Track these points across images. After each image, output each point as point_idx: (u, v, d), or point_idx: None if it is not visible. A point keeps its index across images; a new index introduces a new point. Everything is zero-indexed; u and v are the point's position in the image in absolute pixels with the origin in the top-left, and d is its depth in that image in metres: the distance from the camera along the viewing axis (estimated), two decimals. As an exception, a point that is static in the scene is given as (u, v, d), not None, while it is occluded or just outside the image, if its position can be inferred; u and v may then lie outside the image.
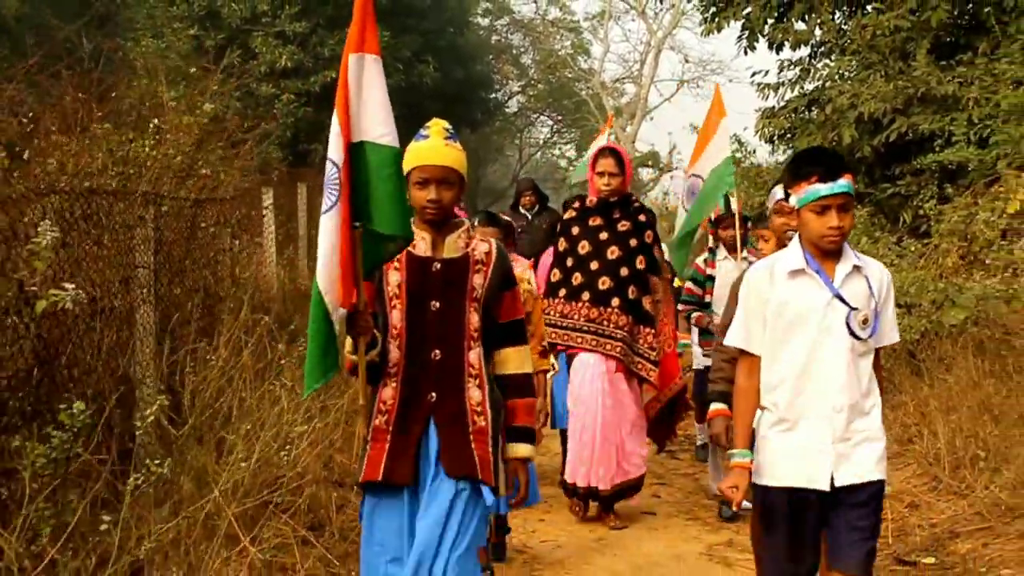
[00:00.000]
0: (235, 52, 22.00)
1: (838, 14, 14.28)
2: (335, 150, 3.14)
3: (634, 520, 6.47)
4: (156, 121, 6.93)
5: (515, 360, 3.50)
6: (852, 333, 3.49)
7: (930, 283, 8.93)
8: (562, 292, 6.23)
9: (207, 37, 21.35)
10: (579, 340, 6.12)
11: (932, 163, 11.55)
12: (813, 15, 13.99)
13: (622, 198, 6.27)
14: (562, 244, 6.34)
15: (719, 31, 14.73)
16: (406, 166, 3.36)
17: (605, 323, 6.11)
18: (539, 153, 36.01)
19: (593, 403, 6.04)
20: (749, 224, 6.69)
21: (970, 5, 12.58)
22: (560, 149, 35.93)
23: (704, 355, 7.27)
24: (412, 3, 23.22)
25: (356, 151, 3.15)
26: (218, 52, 22.04)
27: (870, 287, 3.55)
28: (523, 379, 3.51)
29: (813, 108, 13.54)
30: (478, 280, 3.43)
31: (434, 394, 3.35)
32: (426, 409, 3.35)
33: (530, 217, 10.26)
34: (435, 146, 3.37)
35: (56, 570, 3.69)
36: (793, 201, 3.54)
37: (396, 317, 3.37)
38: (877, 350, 3.62)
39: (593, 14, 33.57)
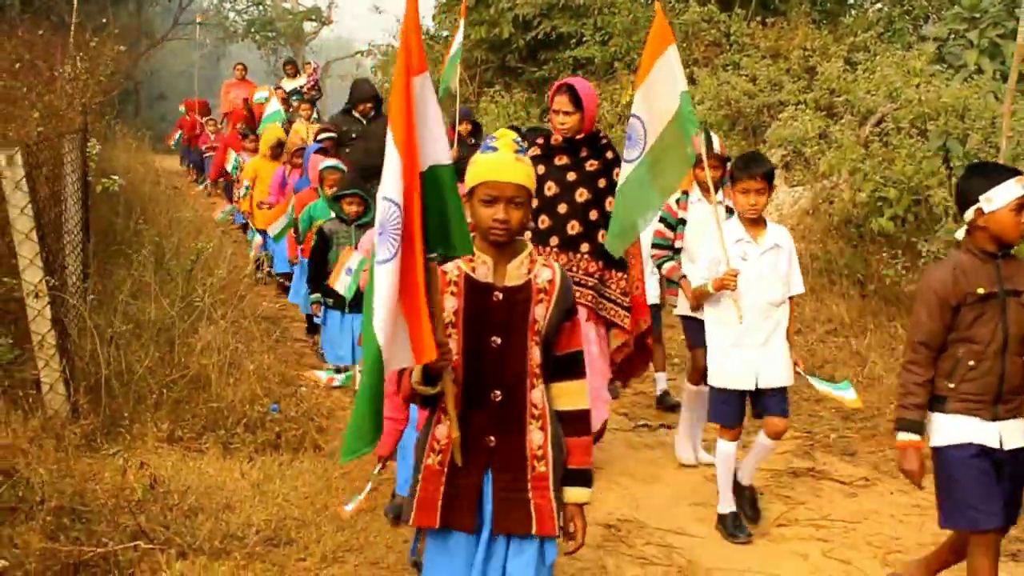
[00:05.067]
0: None
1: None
2: (393, 187, 2.77)
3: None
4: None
5: (571, 395, 3.23)
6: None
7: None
8: (527, 236, 5.66)
9: None
10: None
11: (569, 57, 15.75)
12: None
13: (589, 135, 5.75)
14: None
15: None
16: (471, 180, 3.10)
17: (574, 269, 5.69)
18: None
19: None
20: (728, 166, 5.84)
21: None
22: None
23: (672, 305, 6.74)
24: None
25: (424, 179, 2.83)
26: None
27: None
28: (579, 415, 3.23)
29: (480, 7, 17.24)
30: (540, 311, 3.13)
31: (493, 438, 3.12)
32: (484, 454, 3.12)
33: (365, 123, 9.88)
34: (505, 161, 3.06)
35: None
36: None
37: (452, 348, 3.07)
38: None
39: None
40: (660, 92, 5.34)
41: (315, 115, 13.46)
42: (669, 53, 5.28)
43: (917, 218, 8.75)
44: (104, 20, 12.63)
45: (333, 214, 7.55)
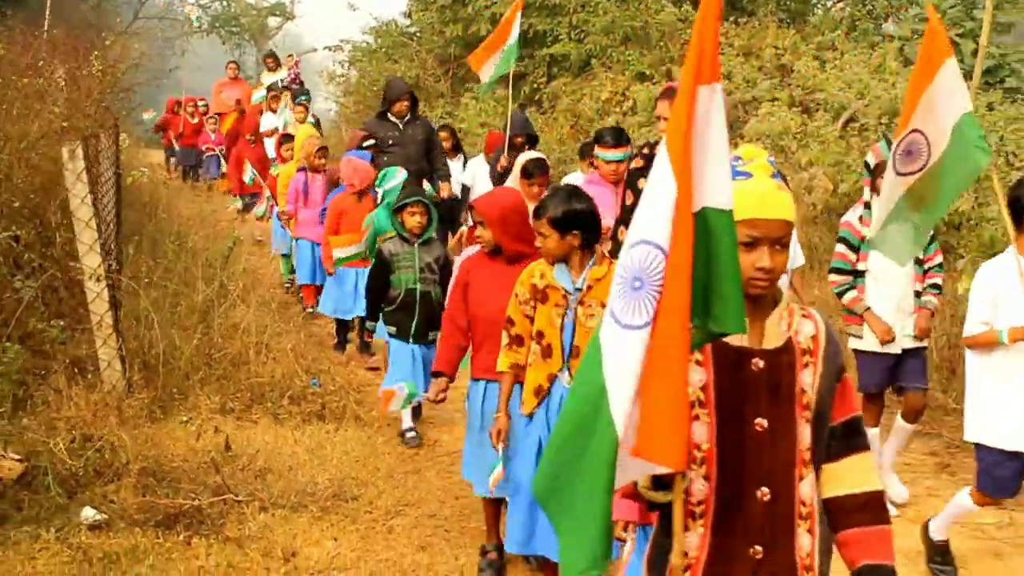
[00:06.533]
0: None
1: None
2: (660, 229, 2.07)
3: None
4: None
5: (858, 473, 2.52)
6: None
7: (554, 145, 13.78)
8: None
9: None
10: None
11: (545, 54, 16.34)
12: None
13: None
14: (629, 197, 5.51)
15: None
16: None
17: None
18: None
19: None
20: None
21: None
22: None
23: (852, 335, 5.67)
24: None
25: (696, 222, 2.09)
26: None
27: None
28: (872, 498, 2.52)
29: (456, 5, 17.75)
30: (807, 378, 2.46)
31: (759, 547, 2.43)
32: (748, 568, 2.44)
33: (401, 127, 9.05)
34: (768, 192, 2.36)
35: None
36: None
37: (700, 434, 2.41)
38: None
39: None
40: (942, 105, 4.69)
41: (312, 117, 13.18)
42: (949, 65, 4.62)
43: (890, 207, 9.43)
44: (119, 19, 12.96)
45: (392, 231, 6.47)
